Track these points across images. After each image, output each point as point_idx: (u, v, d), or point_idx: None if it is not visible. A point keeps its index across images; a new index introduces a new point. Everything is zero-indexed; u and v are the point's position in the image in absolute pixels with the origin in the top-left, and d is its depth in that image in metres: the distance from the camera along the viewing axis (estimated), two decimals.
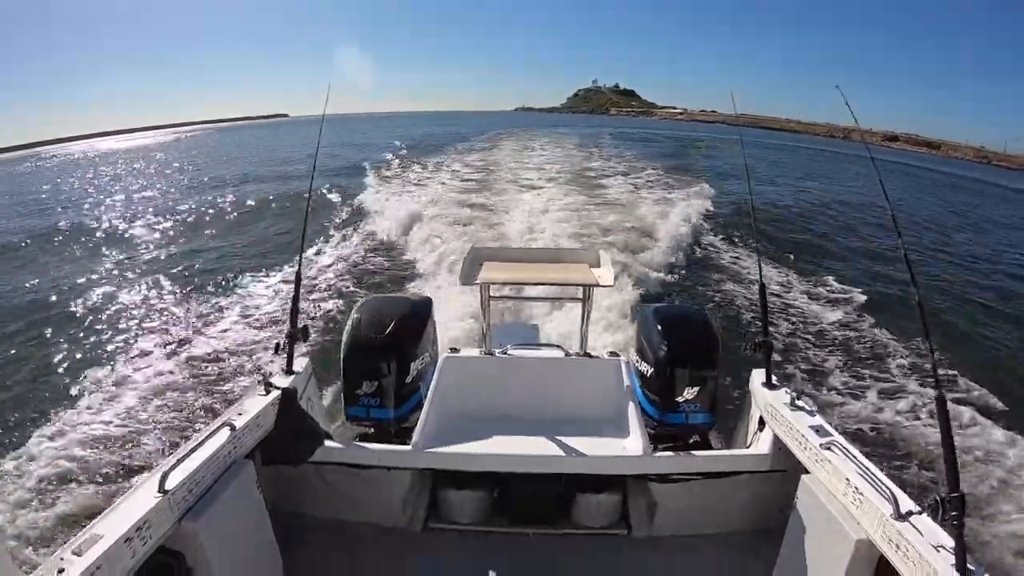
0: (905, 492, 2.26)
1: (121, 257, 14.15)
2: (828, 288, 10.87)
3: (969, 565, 1.87)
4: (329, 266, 11.29)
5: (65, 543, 1.96)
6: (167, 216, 18.97)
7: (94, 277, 12.17)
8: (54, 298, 10.85)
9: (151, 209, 20.70)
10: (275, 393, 3.09)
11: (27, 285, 11.89)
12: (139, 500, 2.20)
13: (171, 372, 6.83)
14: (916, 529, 2.08)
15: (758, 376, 3.47)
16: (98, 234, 16.58)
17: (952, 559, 1.90)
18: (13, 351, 8.40)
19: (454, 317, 7.29)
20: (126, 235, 16.68)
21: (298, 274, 3.61)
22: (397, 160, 29.01)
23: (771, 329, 3.43)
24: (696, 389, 3.44)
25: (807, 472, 2.76)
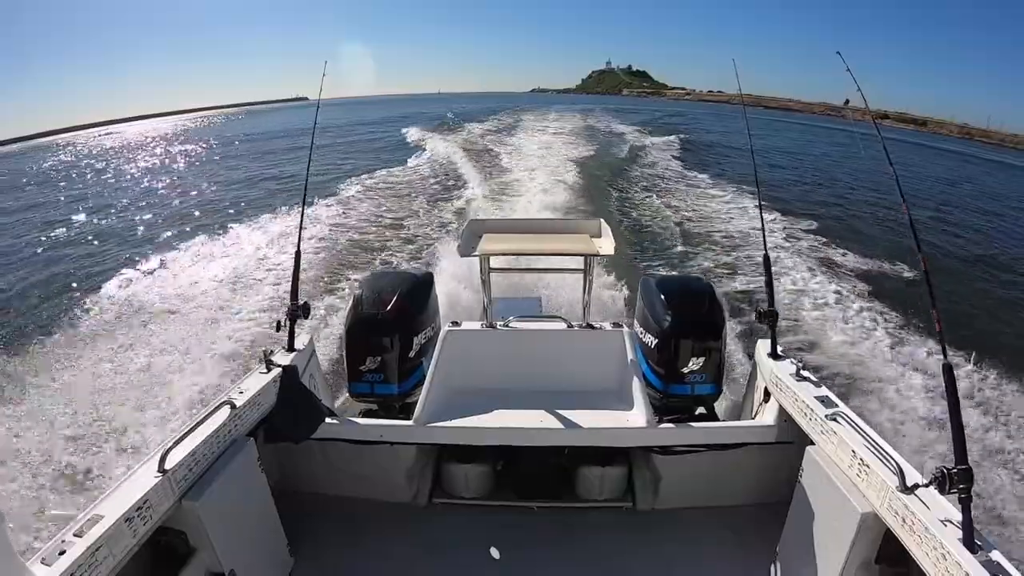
0: (911, 464, 2.23)
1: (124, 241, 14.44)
2: (833, 256, 10.84)
3: (976, 540, 1.85)
4: (331, 241, 11.25)
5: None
6: (178, 194, 20.10)
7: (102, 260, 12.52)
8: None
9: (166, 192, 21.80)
10: (276, 371, 3.08)
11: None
12: (139, 480, 2.20)
13: (170, 351, 6.82)
14: (922, 502, 2.05)
15: (763, 347, 3.43)
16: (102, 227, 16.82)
17: (959, 533, 1.87)
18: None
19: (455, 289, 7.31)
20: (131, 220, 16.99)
21: (298, 251, 3.57)
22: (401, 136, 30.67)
23: (776, 299, 3.37)
24: (701, 360, 3.40)
25: (812, 443, 2.74)
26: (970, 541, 1.84)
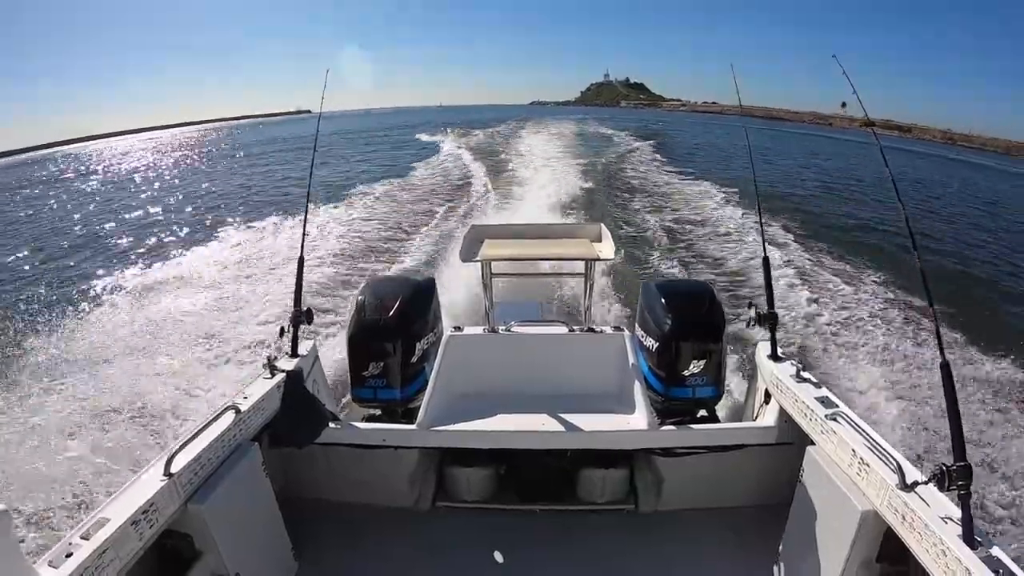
0: (911, 462, 2.24)
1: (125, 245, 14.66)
2: (831, 258, 10.89)
3: (976, 536, 1.86)
4: (334, 248, 11.29)
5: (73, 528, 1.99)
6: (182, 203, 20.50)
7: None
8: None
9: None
10: (280, 376, 3.09)
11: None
12: (145, 484, 2.22)
13: (173, 356, 6.83)
14: (922, 500, 2.06)
15: (763, 349, 3.44)
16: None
17: (959, 530, 1.88)
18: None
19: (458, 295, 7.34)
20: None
21: (300, 258, 3.58)
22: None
23: (776, 301, 3.40)
24: (702, 363, 3.41)
25: (813, 444, 2.75)
26: (970, 537, 1.85)
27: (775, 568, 2.92)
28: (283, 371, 3.12)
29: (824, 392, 2.92)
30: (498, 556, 3.17)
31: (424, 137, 39.92)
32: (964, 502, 1.89)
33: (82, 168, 44.48)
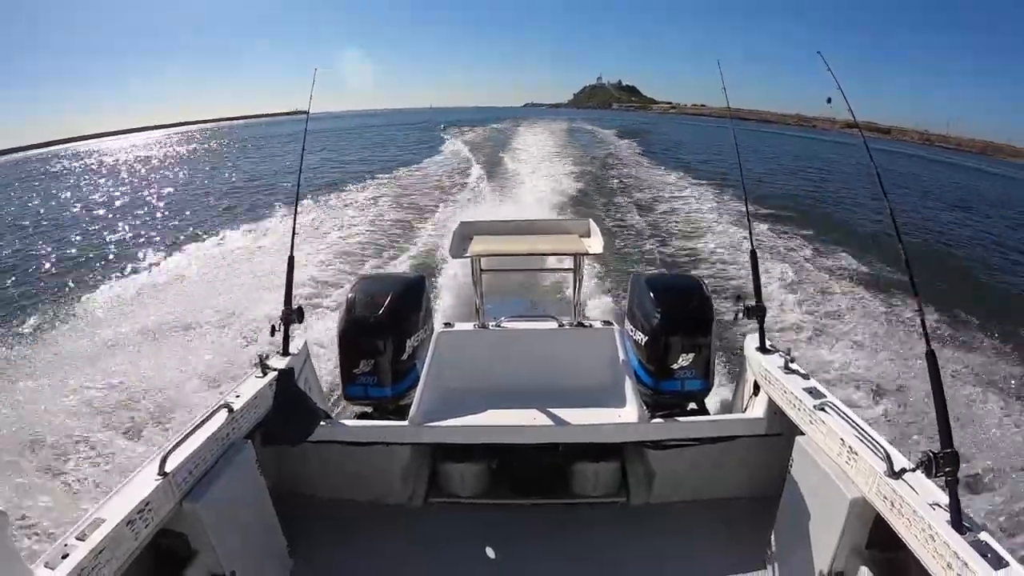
0: (898, 450, 2.27)
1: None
2: (817, 249, 11.01)
3: (964, 521, 1.88)
4: (324, 246, 11.22)
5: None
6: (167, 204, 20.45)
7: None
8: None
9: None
10: (272, 374, 3.09)
11: None
12: (140, 483, 2.21)
13: (165, 355, 6.75)
14: (910, 486, 2.09)
15: (752, 341, 3.48)
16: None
17: (947, 515, 1.91)
18: None
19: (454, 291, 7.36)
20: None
21: (291, 256, 3.57)
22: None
23: (763, 294, 3.43)
24: (691, 356, 3.44)
25: (802, 434, 2.78)
26: (958, 523, 1.88)
27: (767, 558, 2.95)
28: (275, 369, 3.12)
29: (812, 383, 2.95)
30: (491, 551, 3.19)
31: (422, 135, 42.23)
32: (952, 488, 1.92)
33: (63, 167, 44.87)
